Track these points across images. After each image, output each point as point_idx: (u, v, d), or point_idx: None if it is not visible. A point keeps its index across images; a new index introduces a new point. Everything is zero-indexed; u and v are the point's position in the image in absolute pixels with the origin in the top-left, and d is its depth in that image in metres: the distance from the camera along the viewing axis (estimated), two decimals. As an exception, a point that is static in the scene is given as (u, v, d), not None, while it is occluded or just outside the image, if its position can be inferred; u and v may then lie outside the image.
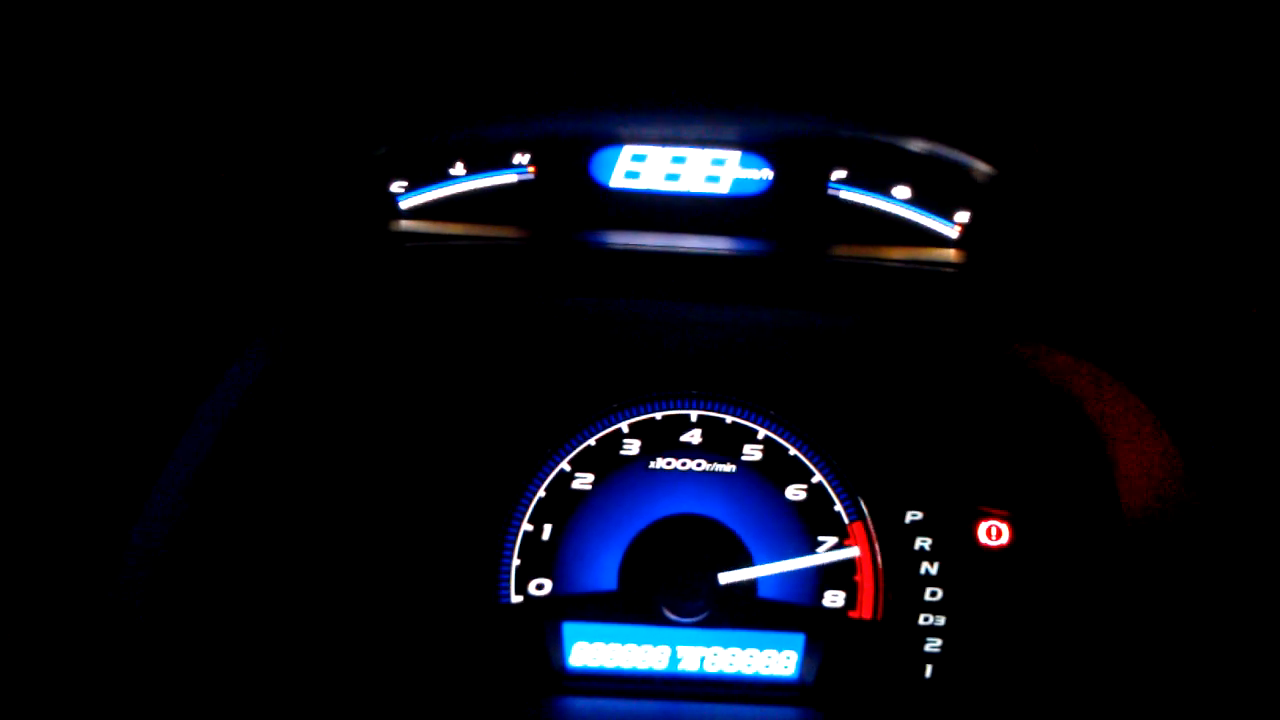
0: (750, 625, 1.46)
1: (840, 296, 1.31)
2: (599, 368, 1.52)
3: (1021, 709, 1.45)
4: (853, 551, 1.47)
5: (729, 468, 1.52)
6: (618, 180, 1.35)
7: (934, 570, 1.48)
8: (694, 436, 1.52)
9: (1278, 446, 1.16)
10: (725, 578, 1.46)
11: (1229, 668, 1.20)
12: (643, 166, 1.34)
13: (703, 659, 1.46)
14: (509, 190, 1.35)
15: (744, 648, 1.46)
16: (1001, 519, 1.50)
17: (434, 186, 1.35)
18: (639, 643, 1.46)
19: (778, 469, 1.51)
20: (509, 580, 1.47)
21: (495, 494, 1.49)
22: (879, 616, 1.47)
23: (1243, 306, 1.17)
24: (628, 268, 1.30)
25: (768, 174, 1.34)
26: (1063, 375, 1.39)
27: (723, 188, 1.35)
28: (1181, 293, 1.21)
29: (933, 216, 1.35)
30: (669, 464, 1.51)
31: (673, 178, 1.35)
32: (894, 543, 1.48)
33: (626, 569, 1.48)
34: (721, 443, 1.52)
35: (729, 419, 1.53)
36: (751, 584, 1.47)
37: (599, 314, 1.40)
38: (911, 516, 1.50)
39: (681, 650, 1.46)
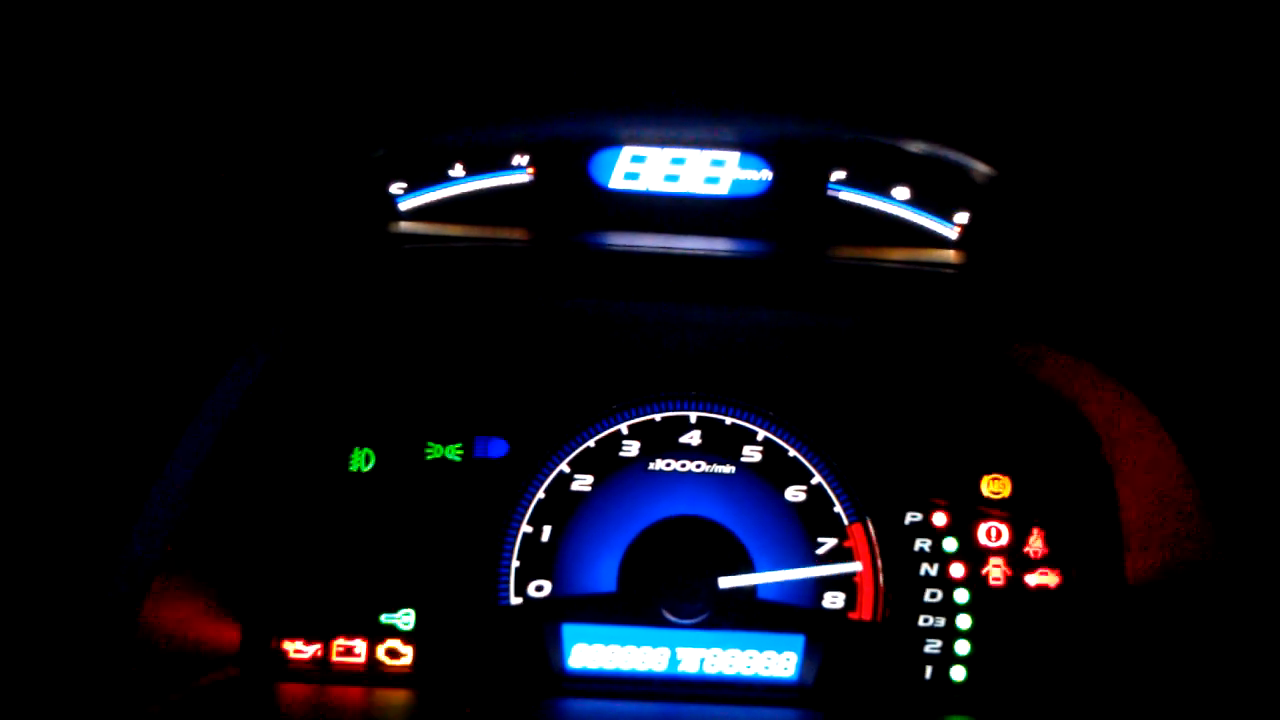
0: (750, 627, 1.46)
1: (840, 298, 1.31)
2: (598, 369, 1.52)
3: (1022, 708, 1.45)
4: (855, 566, 1.47)
5: (728, 469, 1.51)
6: (617, 181, 1.35)
7: (933, 572, 1.48)
8: (693, 438, 1.52)
9: (1278, 446, 1.16)
10: (725, 583, 1.46)
11: (1230, 672, 1.20)
12: (642, 168, 1.34)
13: (702, 660, 1.46)
14: (508, 192, 1.35)
15: (744, 649, 1.46)
16: (1001, 520, 1.50)
17: (433, 188, 1.35)
18: (639, 644, 1.46)
19: (777, 470, 1.51)
20: (508, 582, 1.47)
21: (494, 495, 1.48)
22: (879, 618, 1.47)
23: (1242, 306, 1.17)
24: (627, 269, 1.30)
25: (767, 175, 1.35)
26: (1062, 376, 1.39)
27: (722, 189, 1.35)
28: (1181, 293, 1.21)
29: (932, 217, 1.35)
30: (668, 465, 1.51)
31: (672, 179, 1.35)
32: (894, 544, 1.48)
33: (626, 571, 1.48)
34: (721, 444, 1.52)
35: (728, 420, 1.53)
36: (751, 586, 1.47)
37: (598, 315, 1.40)
38: (911, 518, 1.50)
39: (681, 652, 1.46)
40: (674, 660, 1.46)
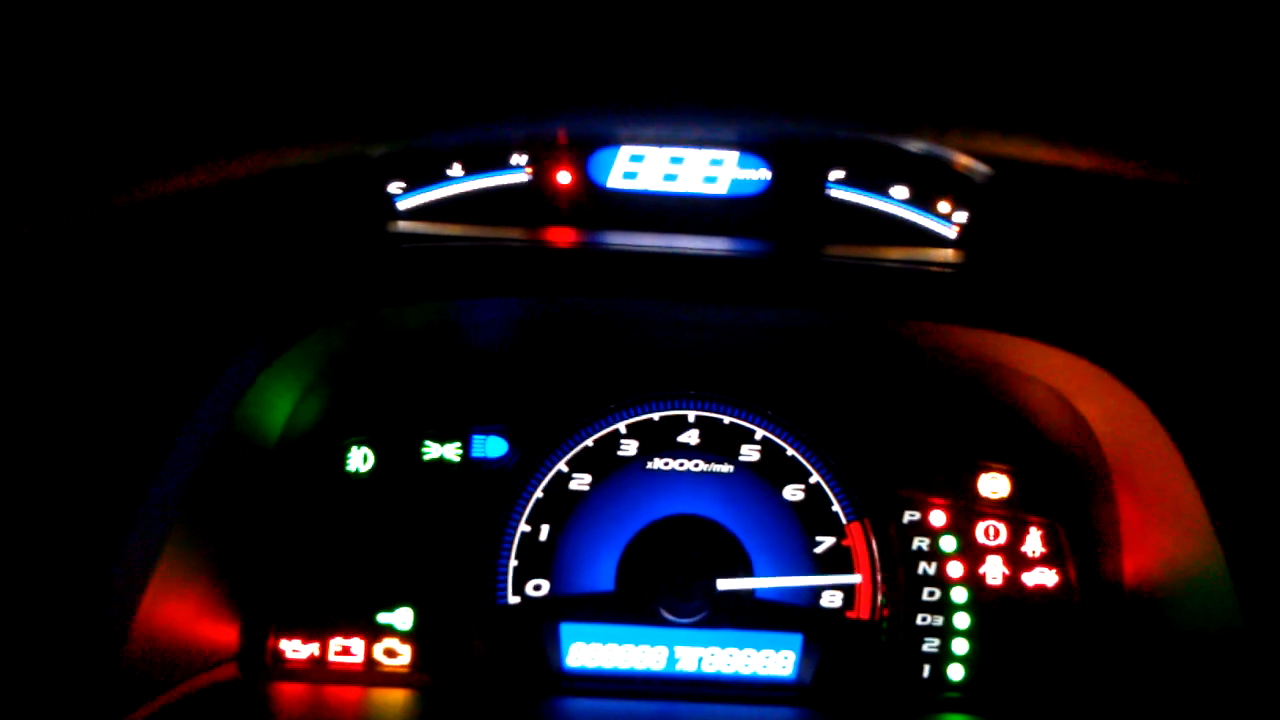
0: (748, 625, 1.46)
1: (838, 297, 1.31)
2: (597, 368, 1.52)
3: (1020, 707, 1.45)
4: (854, 579, 1.47)
5: (727, 468, 1.51)
6: (615, 181, 1.35)
7: (931, 571, 1.48)
8: (691, 437, 1.52)
9: (1277, 442, 1.16)
10: (723, 584, 1.46)
11: (1229, 670, 1.20)
12: (640, 167, 1.34)
13: (700, 659, 1.46)
14: (506, 191, 1.35)
15: (742, 648, 1.46)
16: (999, 519, 1.50)
17: (432, 187, 1.35)
18: (637, 643, 1.46)
19: (775, 469, 1.51)
20: (506, 581, 1.47)
21: (492, 495, 1.48)
22: (877, 617, 1.47)
23: (1239, 303, 1.17)
24: (625, 268, 1.30)
25: (765, 174, 1.35)
26: (1060, 375, 1.39)
27: (720, 188, 1.35)
28: (1180, 291, 1.21)
29: (931, 217, 1.35)
30: (666, 464, 1.51)
31: (670, 178, 1.35)
32: (892, 543, 1.48)
33: (624, 570, 1.48)
34: (719, 443, 1.52)
35: (726, 419, 1.53)
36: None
37: (597, 314, 1.40)
38: (909, 517, 1.50)
39: (679, 651, 1.46)
40: (672, 659, 1.46)
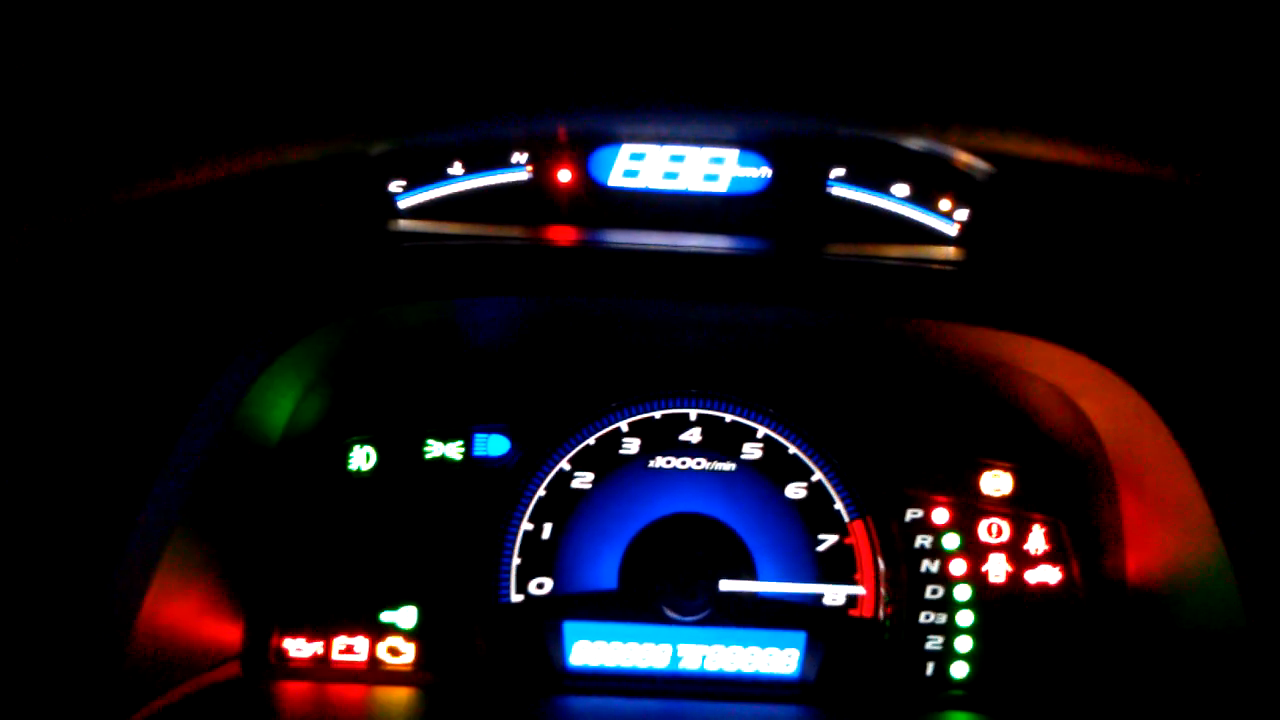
0: (751, 624, 1.46)
1: (839, 294, 1.30)
2: (598, 366, 1.52)
3: (1023, 705, 1.45)
4: (858, 590, 1.47)
5: (729, 466, 1.51)
6: (616, 179, 1.35)
7: (934, 569, 1.48)
8: (693, 435, 1.52)
9: (1278, 440, 1.15)
10: (726, 586, 1.46)
11: (1231, 668, 1.20)
12: (641, 165, 1.34)
13: (704, 657, 1.46)
14: (507, 189, 1.35)
15: (745, 646, 1.46)
16: (1002, 516, 1.50)
17: (432, 186, 1.35)
18: (640, 641, 1.46)
19: (778, 467, 1.51)
20: (509, 579, 1.47)
21: (495, 493, 1.48)
22: (880, 615, 1.47)
23: (1239, 300, 1.17)
24: (626, 266, 1.30)
25: (766, 172, 1.34)
26: (1062, 372, 1.39)
27: (721, 186, 1.35)
28: (1181, 289, 1.21)
29: (932, 214, 1.35)
30: (669, 463, 1.51)
31: (671, 176, 1.35)
32: (894, 541, 1.48)
33: (627, 568, 1.48)
34: (721, 441, 1.52)
35: (728, 418, 1.53)
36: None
37: (597, 313, 1.40)
38: (912, 515, 1.49)
39: (682, 649, 1.46)
40: (675, 657, 1.46)
